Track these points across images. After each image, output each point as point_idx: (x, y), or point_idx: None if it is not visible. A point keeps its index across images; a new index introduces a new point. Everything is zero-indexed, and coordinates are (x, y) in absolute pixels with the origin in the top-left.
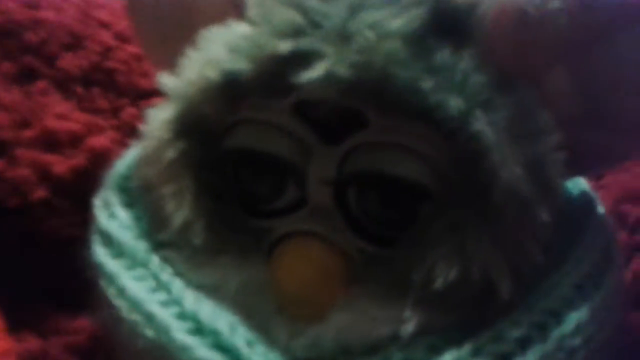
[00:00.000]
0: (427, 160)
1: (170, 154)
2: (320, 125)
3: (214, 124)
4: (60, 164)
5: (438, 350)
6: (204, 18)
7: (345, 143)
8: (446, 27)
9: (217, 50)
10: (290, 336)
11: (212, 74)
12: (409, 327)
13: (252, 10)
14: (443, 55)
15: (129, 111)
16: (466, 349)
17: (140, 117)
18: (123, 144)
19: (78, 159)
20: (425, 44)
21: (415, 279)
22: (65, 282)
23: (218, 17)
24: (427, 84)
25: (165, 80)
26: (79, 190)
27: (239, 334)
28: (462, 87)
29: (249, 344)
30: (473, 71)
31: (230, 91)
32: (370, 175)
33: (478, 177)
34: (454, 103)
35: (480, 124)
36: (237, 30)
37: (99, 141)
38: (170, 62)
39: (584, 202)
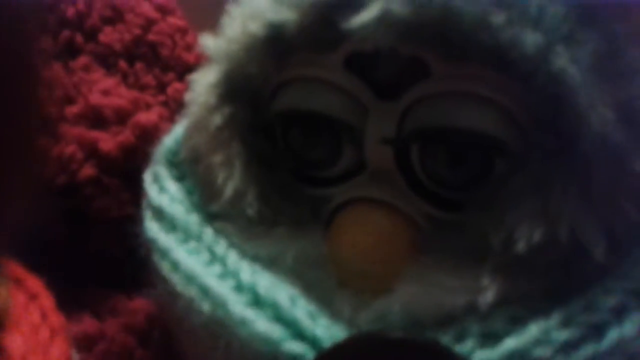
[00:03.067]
0: (500, 109)
1: (217, 119)
2: (376, 80)
3: (261, 85)
4: (108, 141)
5: (521, 321)
6: None
7: (404, 97)
8: None
9: (260, 2)
10: (354, 310)
11: (256, 28)
12: (487, 297)
13: None
14: None
15: (176, 86)
16: (554, 319)
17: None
18: (171, 120)
19: (125, 135)
20: None
21: (494, 242)
22: (119, 263)
23: None
24: (497, 18)
25: (208, 41)
26: (127, 167)
27: (299, 306)
28: (539, 19)
29: (311, 316)
30: (550, 1)
31: (276, 46)
32: (434, 130)
33: (562, 124)
34: (531, 38)
35: (563, 62)
36: None
37: (146, 117)
38: None
39: None
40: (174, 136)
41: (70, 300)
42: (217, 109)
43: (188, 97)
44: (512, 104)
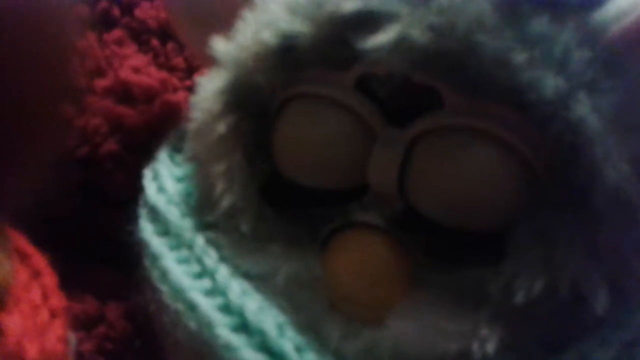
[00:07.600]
0: (512, 152)
1: (221, 128)
2: (387, 104)
3: (268, 98)
4: (133, 117)
5: None
6: None
7: (413, 126)
8: None
9: (275, 11)
10: (343, 337)
11: (268, 36)
12: (488, 347)
13: None
14: (540, 24)
15: (204, 73)
16: None
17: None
18: None
19: (152, 113)
20: (519, 9)
21: (492, 290)
22: (125, 245)
23: None
24: (519, 56)
25: (218, 45)
26: (149, 147)
27: (287, 337)
28: (563, 63)
29: (298, 349)
30: (576, 45)
31: (286, 59)
32: None
33: (575, 175)
34: (552, 82)
35: (584, 110)
36: None
37: (175, 98)
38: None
39: None
40: (178, 133)
41: (73, 277)
42: (221, 117)
43: (193, 100)
44: (526, 149)
